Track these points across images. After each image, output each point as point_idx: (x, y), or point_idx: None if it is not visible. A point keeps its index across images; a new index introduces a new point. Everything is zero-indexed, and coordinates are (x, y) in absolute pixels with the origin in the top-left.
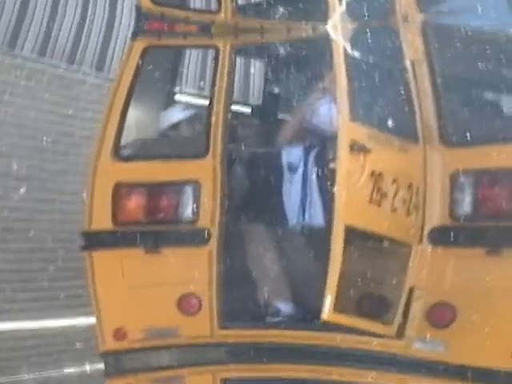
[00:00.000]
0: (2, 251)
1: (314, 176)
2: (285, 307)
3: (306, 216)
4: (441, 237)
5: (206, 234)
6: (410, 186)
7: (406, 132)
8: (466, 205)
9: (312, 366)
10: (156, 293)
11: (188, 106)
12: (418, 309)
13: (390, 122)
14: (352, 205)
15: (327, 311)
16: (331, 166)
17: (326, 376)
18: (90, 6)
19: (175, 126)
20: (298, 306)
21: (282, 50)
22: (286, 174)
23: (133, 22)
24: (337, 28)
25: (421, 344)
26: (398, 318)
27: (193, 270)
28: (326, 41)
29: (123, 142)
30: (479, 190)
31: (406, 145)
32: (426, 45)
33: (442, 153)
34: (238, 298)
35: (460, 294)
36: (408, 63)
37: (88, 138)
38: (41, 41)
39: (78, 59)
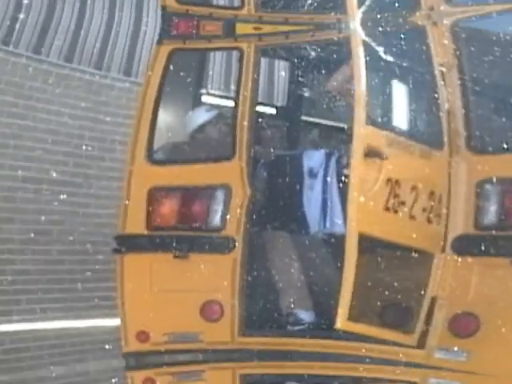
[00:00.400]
0: (38, 253)
1: (334, 182)
2: (306, 316)
3: (327, 224)
4: (465, 246)
5: (232, 243)
6: (432, 194)
7: (430, 138)
8: (491, 214)
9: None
10: (181, 298)
11: (212, 106)
12: (440, 318)
13: (411, 128)
14: (366, 212)
15: (340, 319)
16: (345, 172)
17: (343, 372)
18: (117, 10)
19: (201, 128)
20: (320, 315)
21: (306, 52)
22: (307, 180)
23: (159, 25)
24: (361, 23)
25: (442, 354)
26: (420, 327)
27: (217, 277)
28: (349, 38)
29: (156, 145)
30: (505, 199)
31: (428, 151)
32: (456, 47)
33: (469, 160)
34: (260, 307)
35: (484, 304)
36: (436, 66)
37: (120, 142)
38: (67, 46)
39: (106, 64)
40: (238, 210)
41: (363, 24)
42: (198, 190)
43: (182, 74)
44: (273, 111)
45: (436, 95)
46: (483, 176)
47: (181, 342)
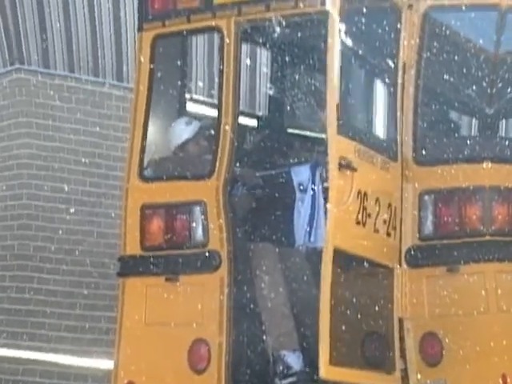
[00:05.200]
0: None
1: (321, 195)
2: (293, 361)
3: (312, 238)
4: (413, 258)
5: (217, 257)
6: (389, 206)
7: (388, 149)
8: (429, 224)
9: None
10: (170, 336)
11: (191, 118)
12: (411, 345)
13: (375, 138)
14: (341, 227)
15: (323, 366)
16: (325, 185)
17: None
18: (96, 12)
19: (183, 146)
20: (307, 355)
21: (285, 33)
22: (298, 194)
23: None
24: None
25: None
26: (399, 364)
27: (206, 303)
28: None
29: (146, 161)
30: (440, 210)
31: (387, 163)
32: (420, 43)
33: (414, 172)
34: (247, 347)
35: (438, 320)
36: (401, 67)
37: (121, 159)
38: (66, 56)
39: (101, 70)
40: (219, 226)
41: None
42: (178, 207)
43: (166, 78)
44: (254, 123)
45: (396, 100)
46: (424, 187)
47: None
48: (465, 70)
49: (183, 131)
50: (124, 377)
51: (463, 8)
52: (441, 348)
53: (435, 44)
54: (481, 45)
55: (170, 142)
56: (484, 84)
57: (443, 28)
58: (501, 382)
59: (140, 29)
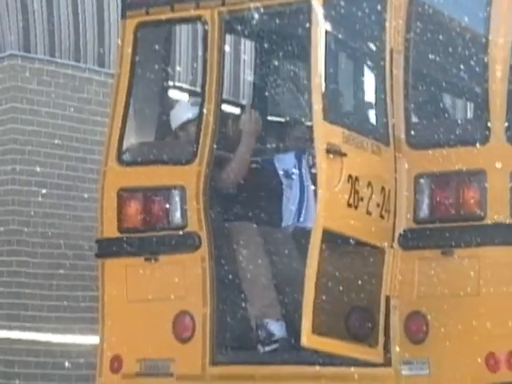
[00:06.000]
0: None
1: (309, 180)
2: (276, 329)
3: (301, 218)
4: (407, 240)
5: (197, 239)
6: (382, 189)
7: (378, 133)
8: (425, 207)
9: None
10: (154, 310)
11: (197, 101)
12: (396, 322)
13: (363, 122)
14: (332, 208)
15: (305, 334)
16: (313, 170)
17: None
18: None
19: (183, 126)
20: (290, 324)
21: (268, 23)
22: (284, 181)
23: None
24: None
25: (407, 369)
26: (382, 338)
27: (188, 280)
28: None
29: (125, 145)
30: (435, 193)
31: (378, 147)
32: (406, 29)
33: (408, 155)
34: (230, 316)
35: (425, 300)
36: (387, 51)
37: (99, 143)
38: (47, 40)
39: (82, 55)
40: (198, 209)
41: None
42: (157, 191)
43: (148, 64)
44: (237, 110)
45: (383, 85)
46: (419, 171)
47: (151, 376)
48: (453, 51)
49: (187, 111)
50: (109, 350)
51: None
52: (426, 327)
53: (422, 27)
54: (468, 24)
55: (172, 121)
56: (474, 64)
57: (430, 10)
58: (483, 363)
59: (123, 16)
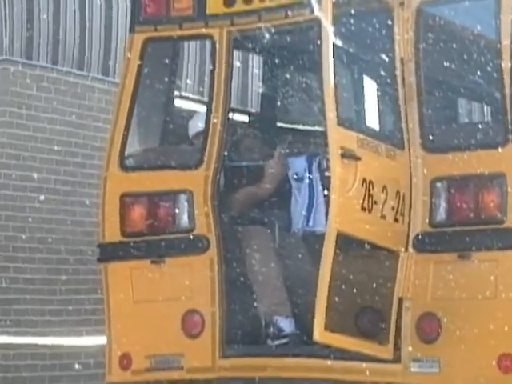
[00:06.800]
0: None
1: (319, 184)
2: (286, 325)
3: (311, 222)
4: (422, 244)
5: (205, 241)
6: (397, 193)
7: (393, 138)
8: (442, 211)
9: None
10: (162, 309)
11: None
12: (408, 322)
13: (377, 128)
14: (345, 212)
15: (317, 330)
16: (326, 174)
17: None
18: (87, 6)
19: (198, 135)
20: (300, 322)
21: (277, 40)
22: (294, 184)
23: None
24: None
25: (417, 366)
26: (392, 337)
27: (196, 280)
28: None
29: (127, 151)
30: (452, 197)
31: (392, 151)
32: (416, 37)
33: (424, 159)
34: (240, 313)
35: (440, 302)
36: (397, 58)
37: (99, 149)
38: (51, 48)
39: (86, 64)
40: (205, 212)
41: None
42: (163, 195)
43: (154, 75)
44: (245, 119)
45: (396, 92)
46: (436, 174)
47: (162, 370)
48: (463, 57)
49: (203, 121)
50: (118, 349)
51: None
52: (438, 327)
53: (432, 36)
54: (479, 30)
55: (189, 130)
56: (489, 69)
57: (438, 20)
58: (496, 364)
59: (132, 30)
